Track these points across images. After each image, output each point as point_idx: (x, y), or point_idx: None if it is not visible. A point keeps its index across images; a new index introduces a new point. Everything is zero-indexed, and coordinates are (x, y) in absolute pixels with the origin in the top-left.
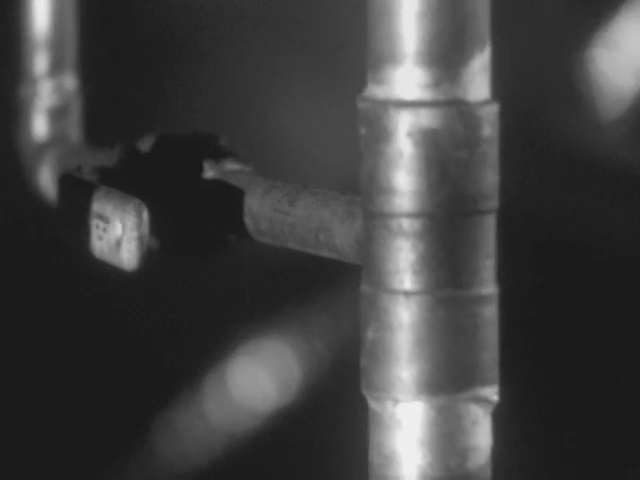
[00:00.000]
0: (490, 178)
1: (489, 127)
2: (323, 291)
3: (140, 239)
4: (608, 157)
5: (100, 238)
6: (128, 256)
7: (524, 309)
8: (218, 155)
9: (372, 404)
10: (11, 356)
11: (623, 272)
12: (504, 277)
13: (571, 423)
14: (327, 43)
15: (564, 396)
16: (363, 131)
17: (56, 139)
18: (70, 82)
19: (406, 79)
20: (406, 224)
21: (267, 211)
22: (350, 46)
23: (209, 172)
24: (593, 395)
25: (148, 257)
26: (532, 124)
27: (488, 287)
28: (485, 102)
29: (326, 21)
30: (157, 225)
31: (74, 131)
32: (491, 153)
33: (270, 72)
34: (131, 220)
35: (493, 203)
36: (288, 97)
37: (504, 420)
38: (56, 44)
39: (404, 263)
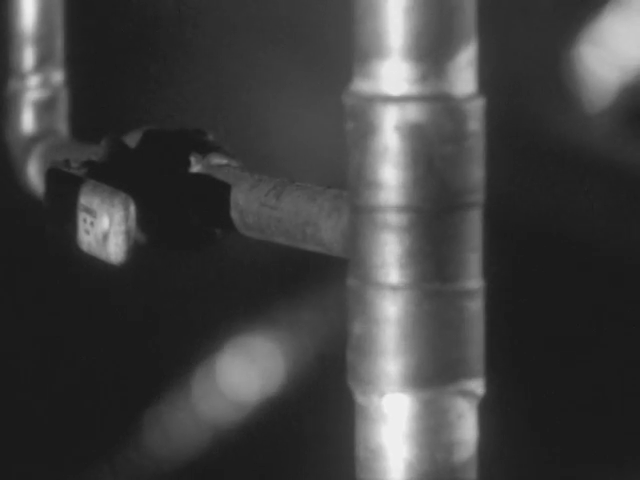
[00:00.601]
0: (476, 172)
1: (475, 121)
2: (310, 285)
3: (127, 233)
4: (594, 151)
5: (87, 232)
6: (115, 250)
7: (511, 303)
8: (205, 149)
9: (358, 397)
10: None
11: (608, 266)
12: (490, 271)
13: (557, 416)
14: (315, 37)
15: (550, 390)
16: (349, 126)
17: (44, 133)
18: (58, 76)
19: (392, 73)
20: (392, 218)
21: (254, 205)
22: (338, 40)
23: (196, 166)
24: (579, 389)
25: (135, 251)
26: (518, 118)
27: (474, 281)
28: (471, 96)
29: (314, 15)
30: (144, 219)
31: (62, 125)
32: (477, 147)
33: (257, 67)
34: (118, 214)
35: (479, 197)
36: (275, 92)
37: (490, 413)
38: (44, 38)
39: (390, 257)
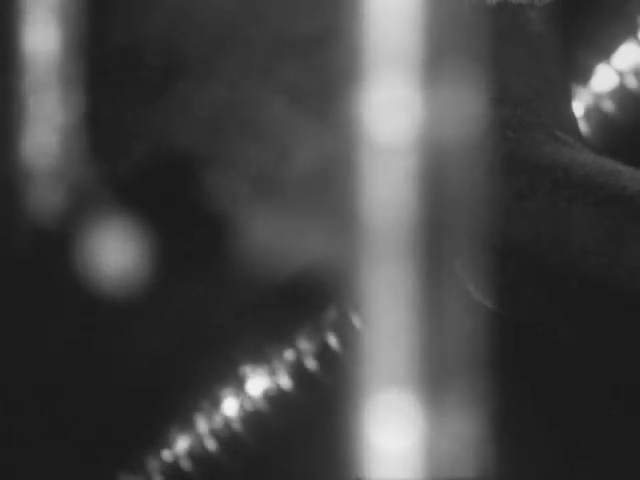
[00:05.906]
0: (480, 206)
1: (476, 157)
2: (314, 298)
3: (136, 260)
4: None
5: (97, 258)
6: (123, 277)
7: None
8: (217, 175)
9: (356, 400)
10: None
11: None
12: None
13: (562, 424)
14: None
15: (558, 398)
16: (350, 160)
17: (58, 156)
18: (72, 100)
19: (386, 116)
20: (391, 247)
21: (264, 232)
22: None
23: (207, 192)
24: (586, 399)
25: (144, 275)
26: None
27: (467, 286)
28: (471, 134)
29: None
30: (154, 246)
31: (76, 148)
32: (481, 182)
33: (269, 91)
34: (127, 241)
35: (478, 226)
36: (286, 116)
37: (496, 419)
38: (62, 60)
39: (388, 258)
